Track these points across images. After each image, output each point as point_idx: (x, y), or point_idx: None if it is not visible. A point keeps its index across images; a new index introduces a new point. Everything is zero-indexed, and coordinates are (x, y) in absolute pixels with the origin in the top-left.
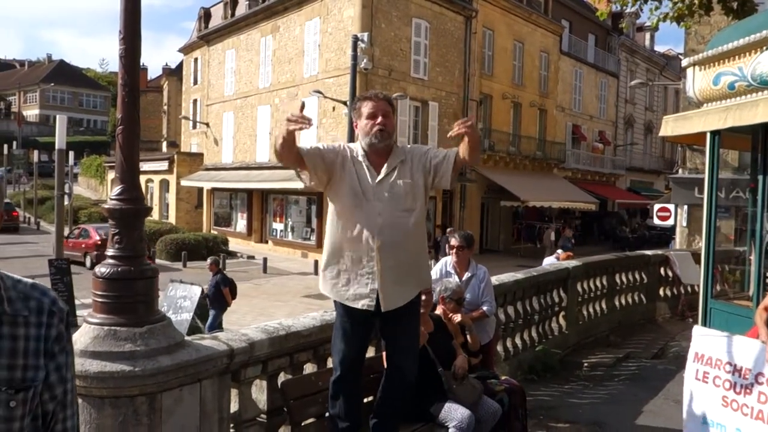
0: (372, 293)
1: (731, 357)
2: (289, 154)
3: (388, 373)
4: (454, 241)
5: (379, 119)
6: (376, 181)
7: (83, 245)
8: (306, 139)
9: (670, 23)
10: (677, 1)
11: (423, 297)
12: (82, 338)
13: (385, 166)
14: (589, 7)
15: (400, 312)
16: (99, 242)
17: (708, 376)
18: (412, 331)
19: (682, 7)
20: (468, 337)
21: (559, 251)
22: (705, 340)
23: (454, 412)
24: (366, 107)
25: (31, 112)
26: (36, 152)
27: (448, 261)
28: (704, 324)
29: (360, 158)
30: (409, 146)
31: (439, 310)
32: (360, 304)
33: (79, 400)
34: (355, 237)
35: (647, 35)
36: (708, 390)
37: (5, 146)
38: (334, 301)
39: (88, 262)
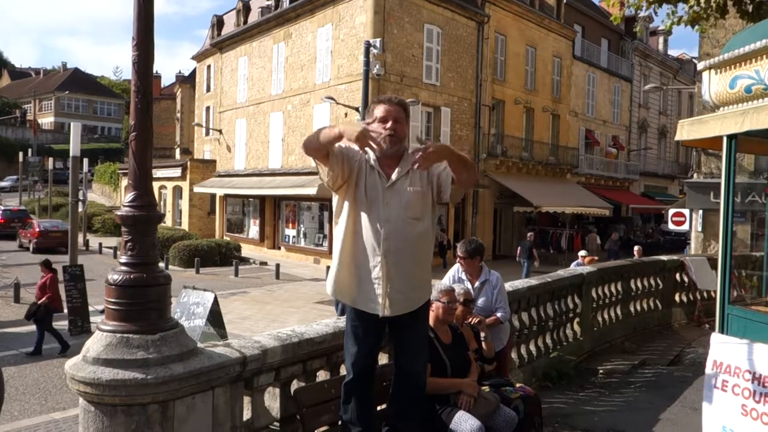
0: (377, 297)
1: (751, 365)
2: (324, 149)
3: (397, 376)
4: (458, 251)
5: (389, 124)
6: (386, 186)
7: (29, 234)
8: None
9: (685, 27)
10: (692, 5)
11: (447, 304)
12: (94, 346)
13: (396, 172)
14: (601, 11)
15: (409, 316)
16: (38, 233)
17: (727, 384)
18: (421, 335)
19: (698, 10)
20: (483, 344)
21: (582, 252)
22: (724, 348)
23: (464, 423)
24: (379, 111)
25: (46, 120)
26: (51, 159)
27: (460, 267)
28: (721, 330)
29: (372, 162)
30: None
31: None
32: (366, 308)
33: (92, 408)
34: (362, 242)
35: (660, 39)
36: (727, 398)
37: (20, 154)
38: (336, 304)
39: (31, 247)
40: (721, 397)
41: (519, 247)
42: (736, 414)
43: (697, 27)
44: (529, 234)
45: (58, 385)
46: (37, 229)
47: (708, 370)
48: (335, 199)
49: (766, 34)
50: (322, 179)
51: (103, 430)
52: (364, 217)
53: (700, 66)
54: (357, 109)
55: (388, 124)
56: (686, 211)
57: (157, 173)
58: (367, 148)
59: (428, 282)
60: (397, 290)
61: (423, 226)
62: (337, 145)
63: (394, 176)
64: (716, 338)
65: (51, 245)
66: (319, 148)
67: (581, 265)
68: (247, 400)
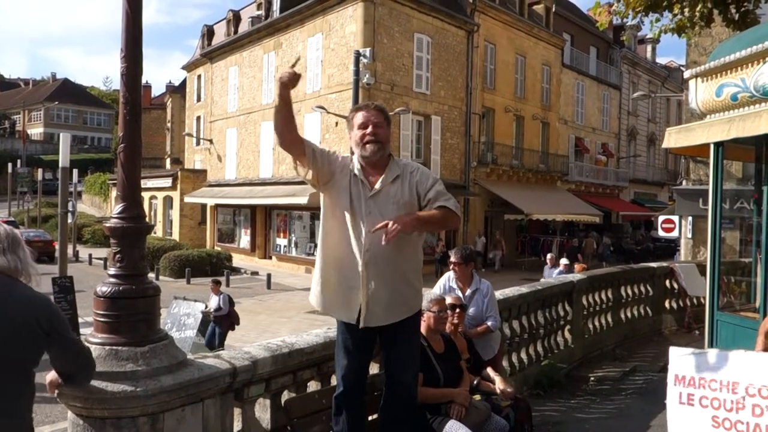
0: (356, 308)
1: (716, 373)
2: (287, 125)
3: (387, 387)
4: (452, 257)
5: (369, 129)
6: (368, 196)
7: None
8: None
9: (671, 35)
10: (677, 13)
11: (437, 313)
12: None
13: (379, 182)
14: (590, 20)
15: (398, 326)
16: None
17: (693, 397)
18: (411, 346)
19: (683, 19)
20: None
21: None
22: (684, 360)
23: None
24: (357, 118)
25: (36, 131)
26: (40, 170)
27: (450, 276)
28: (711, 336)
29: (356, 172)
30: (406, 162)
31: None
32: (346, 318)
33: (80, 421)
34: (343, 252)
35: (649, 47)
36: (695, 413)
37: (9, 165)
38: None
39: None
40: (688, 413)
41: (565, 253)
42: (707, 427)
43: (683, 35)
44: (573, 239)
45: (47, 398)
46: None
47: (670, 386)
48: (322, 205)
49: (751, 42)
50: (301, 176)
51: None
52: (345, 226)
53: (686, 74)
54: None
55: (368, 129)
56: (676, 218)
57: (148, 183)
58: (353, 157)
59: (415, 293)
60: (377, 302)
61: (407, 237)
62: (315, 147)
63: (377, 186)
64: (674, 351)
65: (33, 255)
66: (283, 124)
67: (562, 273)
68: (237, 411)
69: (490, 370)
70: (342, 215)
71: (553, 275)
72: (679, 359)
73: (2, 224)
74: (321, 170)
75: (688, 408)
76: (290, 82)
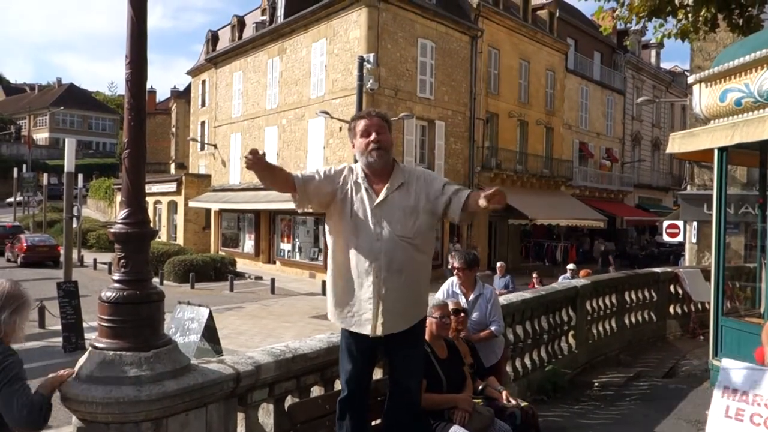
0: (370, 318)
1: None
2: (273, 182)
3: (392, 393)
4: (455, 263)
5: (373, 136)
6: (375, 203)
7: (17, 248)
8: (312, 159)
9: (675, 40)
10: (681, 18)
11: (440, 319)
12: (87, 363)
13: (385, 189)
14: (594, 25)
15: (404, 333)
16: (26, 248)
17: (743, 413)
18: (416, 351)
19: (687, 24)
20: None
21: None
22: (737, 374)
23: None
24: (359, 126)
25: (41, 136)
26: (45, 175)
27: (454, 281)
28: (715, 342)
29: (360, 180)
30: (411, 167)
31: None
32: (363, 330)
33: (84, 426)
34: (354, 261)
35: (653, 52)
36: (743, 428)
37: (15, 169)
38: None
39: (18, 261)
40: (735, 428)
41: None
42: None
43: (687, 39)
44: (603, 242)
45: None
46: (25, 244)
47: (716, 397)
48: (327, 223)
49: (755, 47)
50: (298, 209)
51: None
52: (354, 236)
53: (690, 79)
54: None
55: (372, 137)
56: (680, 223)
57: (152, 188)
58: (353, 166)
59: (424, 299)
60: (389, 309)
61: (416, 243)
62: (306, 174)
63: (382, 194)
64: (727, 363)
65: (38, 259)
66: (273, 184)
67: (567, 278)
68: (240, 416)
69: (496, 384)
70: (349, 226)
71: (501, 285)
72: (732, 372)
73: (7, 281)
74: (319, 201)
75: (736, 423)
76: (256, 162)
